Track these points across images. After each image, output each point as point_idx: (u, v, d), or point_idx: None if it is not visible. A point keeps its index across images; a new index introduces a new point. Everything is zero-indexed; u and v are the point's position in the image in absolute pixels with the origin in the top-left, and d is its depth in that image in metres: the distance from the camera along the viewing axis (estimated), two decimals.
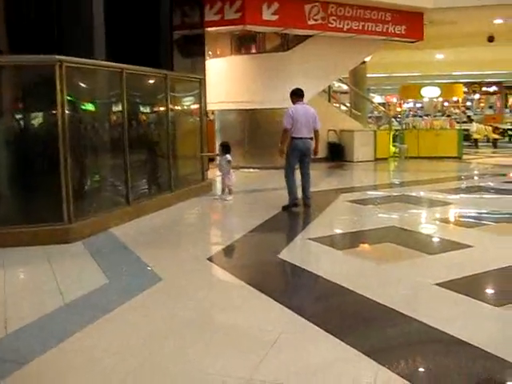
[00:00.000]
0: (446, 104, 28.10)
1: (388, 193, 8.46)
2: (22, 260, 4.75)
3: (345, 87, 18.96)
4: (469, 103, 27.24)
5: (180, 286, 4.00)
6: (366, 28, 11.13)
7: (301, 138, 6.56)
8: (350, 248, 5.00)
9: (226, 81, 11.58)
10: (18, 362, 2.69)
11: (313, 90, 11.78)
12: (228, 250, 5.11)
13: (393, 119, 17.93)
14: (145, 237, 5.56)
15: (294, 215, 6.80)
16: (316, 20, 10.54)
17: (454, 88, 22.25)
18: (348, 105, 16.41)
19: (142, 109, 7.31)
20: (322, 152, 13.28)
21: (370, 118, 18.08)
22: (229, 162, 7.66)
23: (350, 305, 3.58)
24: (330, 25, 10.69)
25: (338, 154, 13.04)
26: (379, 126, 16.65)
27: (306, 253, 4.97)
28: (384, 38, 11.68)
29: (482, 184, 9.44)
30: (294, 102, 6.74)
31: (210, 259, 4.67)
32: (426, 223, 6.42)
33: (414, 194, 8.31)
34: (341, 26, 10.81)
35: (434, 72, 20.55)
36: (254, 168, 11.12)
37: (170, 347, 2.91)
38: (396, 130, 15.40)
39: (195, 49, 10.06)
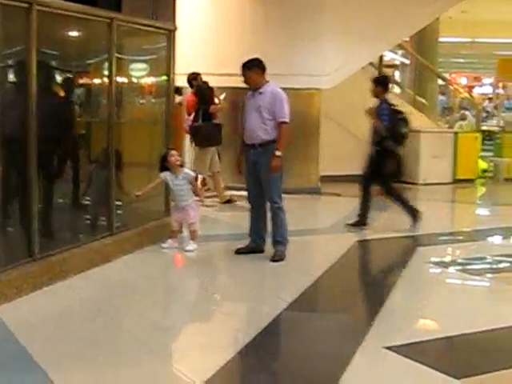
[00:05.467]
0: None
1: (500, 248, 8.47)
2: None
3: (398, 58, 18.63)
4: None
5: None
6: None
7: None
8: (473, 374, 4.34)
9: (212, 37, 11.40)
10: None
11: (358, 60, 11.54)
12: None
13: (467, 112, 17.68)
14: (63, 330, 5.04)
15: (341, 291, 6.58)
16: None
17: None
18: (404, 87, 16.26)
19: (62, 78, 7.25)
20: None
21: None
22: (190, 182, 7.50)
23: None
24: None
25: None
26: (450, 124, 16.31)
27: None
28: None
29: None
30: (263, 80, 7.10)
31: None
32: None
33: None
34: None
35: None
36: None
37: None
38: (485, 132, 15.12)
39: None
